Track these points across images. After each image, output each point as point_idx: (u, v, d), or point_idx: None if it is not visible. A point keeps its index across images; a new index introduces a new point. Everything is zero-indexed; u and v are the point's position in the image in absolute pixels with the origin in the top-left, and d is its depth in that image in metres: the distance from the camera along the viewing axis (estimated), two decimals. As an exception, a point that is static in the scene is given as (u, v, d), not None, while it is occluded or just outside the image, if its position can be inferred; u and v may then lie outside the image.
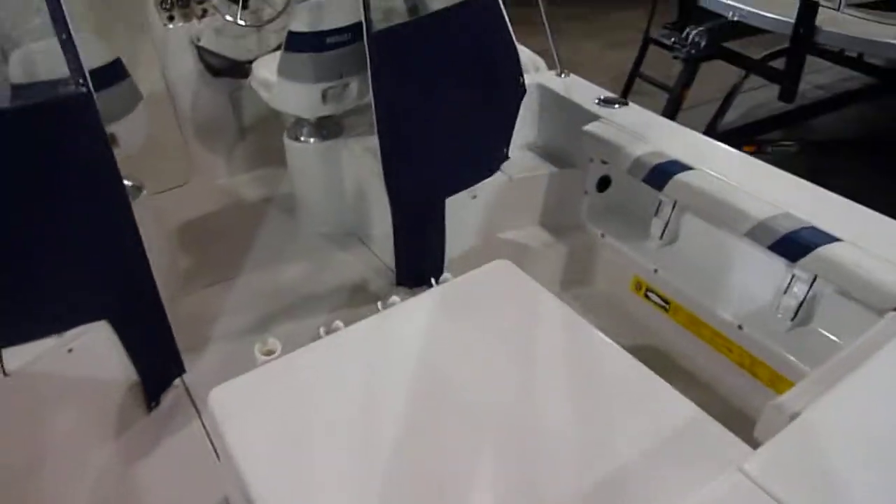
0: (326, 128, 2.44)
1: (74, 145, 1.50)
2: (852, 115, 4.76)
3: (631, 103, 2.19)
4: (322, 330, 1.56)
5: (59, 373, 1.75)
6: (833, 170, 4.43)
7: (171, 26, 2.70)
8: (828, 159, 4.47)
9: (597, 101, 2.20)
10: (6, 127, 1.43)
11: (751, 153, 4.17)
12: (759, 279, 1.92)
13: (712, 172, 1.84)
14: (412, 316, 1.55)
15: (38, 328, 1.64)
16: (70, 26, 1.40)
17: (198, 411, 1.88)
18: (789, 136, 4.37)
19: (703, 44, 3.60)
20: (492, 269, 1.68)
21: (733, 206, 1.75)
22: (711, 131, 4.06)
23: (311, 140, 2.44)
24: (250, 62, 2.67)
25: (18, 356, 1.70)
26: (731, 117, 4.38)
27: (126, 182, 1.63)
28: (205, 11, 2.72)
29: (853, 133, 4.87)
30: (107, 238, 1.62)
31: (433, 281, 1.73)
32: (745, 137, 4.14)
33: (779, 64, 3.74)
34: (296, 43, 2.14)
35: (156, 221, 2.13)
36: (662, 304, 2.11)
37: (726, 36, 3.78)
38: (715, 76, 4.10)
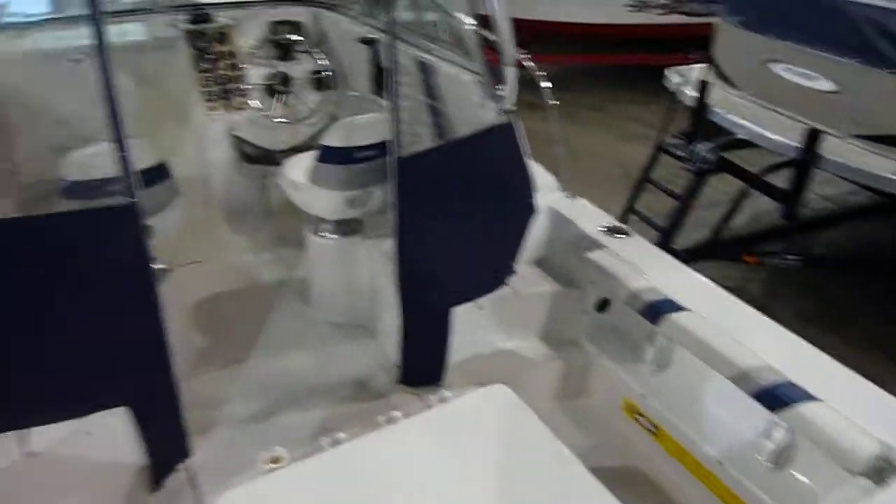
0: (348, 226, 2.59)
1: (117, 250, 1.64)
2: (859, 230, 4.84)
3: (633, 234, 2.33)
4: (325, 442, 1.67)
5: (77, 455, 1.85)
6: (833, 286, 4.51)
7: (212, 115, 2.90)
8: (829, 275, 4.54)
9: (601, 228, 2.33)
10: (57, 229, 1.57)
11: (753, 265, 4.28)
12: (741, 419, 2.01)
13: (703, 316, 1.95)
14: (408, 438, 1.65)
15: (62, 413, 1.75)
16: (123, 135, 1.51)
17: (197, 498, 1.97)
18: (792, 247, 4.47)
19: (711, 159, 3.76)
20: (488, 392, 1.79)
21: (720, 353, 1.86)
22: (716, 238, 4.19)
23: (332, 237, 2.59)
24: (282, 152, 2.86)
25: (41, 437, 1.81)
26: (738, 219, 4.49)
27: (156, 266, 1.70)
28: (244, 104, 2.93)
29: (858, 249, 4.94)
30: (134, 330, 1.73)
31: (431, 398, 1.84)
32: (747, 247, 4.25)
33: (784, 174, 3.88)
34: (328, 155, 2.32)
35: (175, 300, 2.22)
36: (651, 428, 2.20)
37: (733, 150, 3.94)
38: (723, 179, 4.24)
